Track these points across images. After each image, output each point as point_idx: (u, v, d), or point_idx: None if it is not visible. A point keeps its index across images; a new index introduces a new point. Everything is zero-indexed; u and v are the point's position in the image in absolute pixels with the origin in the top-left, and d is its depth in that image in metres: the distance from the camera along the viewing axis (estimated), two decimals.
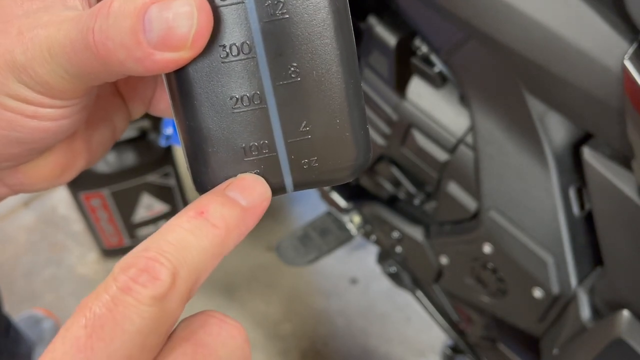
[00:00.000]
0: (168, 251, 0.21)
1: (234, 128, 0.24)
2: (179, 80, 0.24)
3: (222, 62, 0.24)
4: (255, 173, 0.25)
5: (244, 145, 0.25)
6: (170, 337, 0.22)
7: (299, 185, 0.26)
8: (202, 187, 0.25)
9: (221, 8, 0.23)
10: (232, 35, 0.23)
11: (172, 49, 0.22)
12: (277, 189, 0.26)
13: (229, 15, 0.23)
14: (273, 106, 0.24)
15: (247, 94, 0.24)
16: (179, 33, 0.22)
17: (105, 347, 0.19)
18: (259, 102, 0.24)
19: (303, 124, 0.25)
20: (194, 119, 0.24)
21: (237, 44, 0.23)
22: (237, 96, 0.24)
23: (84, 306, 0.20)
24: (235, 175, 0.25)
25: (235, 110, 0.24)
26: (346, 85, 0.25)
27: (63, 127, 0.26)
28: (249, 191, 0.24)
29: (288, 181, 0.25)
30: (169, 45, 0.22)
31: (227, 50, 0.23)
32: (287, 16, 0.23)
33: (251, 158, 0.25)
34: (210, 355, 0.21)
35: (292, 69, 0.24)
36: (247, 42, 0.23)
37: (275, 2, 0.23)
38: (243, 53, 0.24)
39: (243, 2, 0.23)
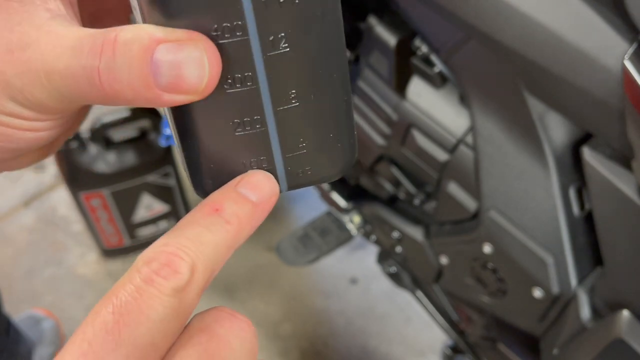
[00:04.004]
0: (187, 246, 0.22)
1: (234, 148, 0.26)
2: (183, 109, 0.25)
3: (226, 92, 0.24)
4: None
5: (244, 161, 0.26)
6: (186, 328, 0.23)
7: (292, 188, 0.27)
8: (203, 193, 0.26)
9: (226, 43, 0.23)
10: (236, 68, 0.24)
11: (182, 93, 0.23)
12: None
13: (234, 49, 0.24)
14: (273, 128, 0.25)
15: (249, 119, 0.25)
16: (190, 82, 0.22)
17: (131, 332, 0.21)
18: (259, 125, 0.25)
19: (300, 141, 0.26)
20: (195, 139, 0.25)
21: (240, 76, 0.24)
22: (239, 121, 0.25)
23: (110, 294, 0.21)
24: None
25: (237, 134, 0.25)
26: (341, 103, 0.26)
27: (56, 132, 0.26)
28: (259, 188, 0.25)
29: (283, 186, 0.27)
30: (179, 90, 0.22)
31: (231, 81, 0.24)
32: (289, 49, 0.24)
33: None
34: (223, 344, 0.23)
35: (292, 95, 0.25)
36: (250, 73, 0.24)
37: (279, 37, 0.24)
38: (246, 84, 0.24)
39: (248, 38, 0.23)
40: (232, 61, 0.24)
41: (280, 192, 0.27)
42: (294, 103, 0.25)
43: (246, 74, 0.24)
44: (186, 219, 0.24)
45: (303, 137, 0.26)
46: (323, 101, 0.26)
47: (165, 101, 0.23)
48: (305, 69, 0.25)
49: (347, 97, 0.26)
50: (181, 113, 0.25)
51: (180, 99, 0.23)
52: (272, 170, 0.26)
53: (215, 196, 0.25)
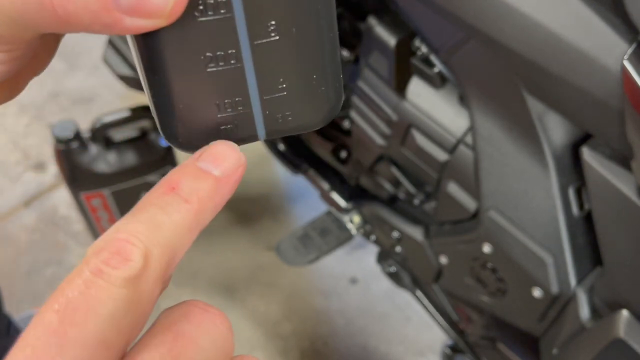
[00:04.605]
0: (139, 231, 0.20)
1: (207, 86, 0.23)
2: (149, 39, 0.22)
3: (197, 21, 0.22)
4: (228, 127, 0.24)
5: (217, 102, 0.24)
6: (152, 325, 0.21)
7: (270, 135, 0.25)
8: (172, 139, 0.24)
9: None
10: None
11: (146, 17, 0.20)
12: (249, 139, 0.25)
13: None
14: (250, 65, 0.23)
15: (223, 53, 0.23)
16: (154, 3, 0.20)
17: (78, 331, 0.19)
18: (234, 61, 0.23)
19: (280, 81, 0.24)
20: (164, 75, 0.23)
21: (213, 2, 0.22)
22: (211, 55, 0.23)
23: (57, 292, 0.19)
24: (208, 130, 0.24)
25: (209, 69, 0.23)
26: (325, 40, 0.24)
27: (13, 66, 0.24)
28: (220, 160, 0.23)
29: (261, 133, 0.25)
30: (143, 14, 0.20)
31: (202, 8, 0.22)
32: None
33: (225, 114, 0.24)
34: (190, 343, 0.20)
35: (271, 27, 0.22)
36: None
37: None
38: (219, 11, 0.22)
39: None
40: None
41: (258, 139, 0.25)
42: (273, 36, 0.23)
43: None
44: (141, 201, 0.21)
45: (283, 77, 0.24)
46: (306, 36, 0.23)
47: (126, 26, 0.20)
48: None
49: (333, 36, 0.24)
50: (147, 44, 0.22)
51: (144, 24, 0.20)
52: (249, 113, 0.24)
53: (173, 174, 0.22)
